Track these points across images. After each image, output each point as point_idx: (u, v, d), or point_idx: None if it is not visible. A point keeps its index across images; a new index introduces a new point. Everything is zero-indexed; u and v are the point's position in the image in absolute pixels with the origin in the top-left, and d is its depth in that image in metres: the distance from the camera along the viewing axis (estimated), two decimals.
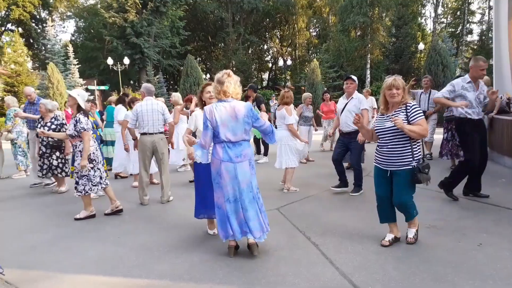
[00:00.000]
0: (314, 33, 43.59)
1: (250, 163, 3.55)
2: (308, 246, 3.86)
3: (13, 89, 21.22)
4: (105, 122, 8.23)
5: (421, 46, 25.97)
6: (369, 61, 29.11)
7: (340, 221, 4.56)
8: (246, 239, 3.64)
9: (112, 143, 8.01)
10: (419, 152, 3.67)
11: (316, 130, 9.93)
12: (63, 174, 6.62)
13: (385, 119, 3.69)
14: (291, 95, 6.28)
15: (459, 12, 37.53)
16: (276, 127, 5.45)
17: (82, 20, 43.02)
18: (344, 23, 29.69)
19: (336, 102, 6.85)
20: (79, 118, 4.93)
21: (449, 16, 40.15)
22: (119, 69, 26.19)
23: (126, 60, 26.78)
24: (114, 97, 9.76)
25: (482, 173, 5.28)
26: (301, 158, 6.21)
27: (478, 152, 5.05)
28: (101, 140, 7.07)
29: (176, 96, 8.02)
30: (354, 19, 28.07)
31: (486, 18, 37.16)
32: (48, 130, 6.18)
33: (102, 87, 29.59)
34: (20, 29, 38.99)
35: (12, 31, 39.82)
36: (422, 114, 3.61)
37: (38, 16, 41.24)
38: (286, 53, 43.65)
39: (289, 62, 35.17)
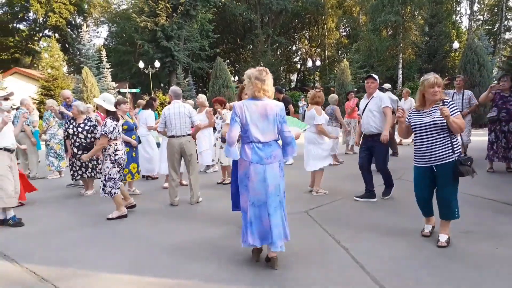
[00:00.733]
0: (344, 33, 43.11)
1: (280, 165, 3.40)
2: (338, 250, 3.79)
3: (49, 92, 22.03)
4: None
5: (455, 44, 25.17)
6: (401, 60, 28.50)
7: (371, 225, 4.46)
8: (266, 248, 3.49)
9: None
10: (459, 146, 3.75)
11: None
12: (98, 176, 6.70)
13: (422, 115, 3.78)
14: (322, 95, 6.22)
15: (496, 8, 36.04)
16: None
17: (114, 25, 44.27)
18: (375, 22, 29.18)
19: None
20: (106, 122, 5.10)
21: (485, 13, 38.68)
22: (150, 72, 26.74)
23: (157, 64, 27.30)
24: (142, 101, 9.93)
25: None
26: (332, 158, 6.10)
27: None
28: (138, 141, 7.18)
29: (202, 97, 8.12)
30: (385, 18, 27.53)
31: None
32: (81, 131, 6.44)
33: (134, 90, 30.27)
34: (56, 34, 40.52)
35: (49, 36, 41.55)
36: (458, 110, 3.76)
37: (73, 22, 42.83)
38: (315, 54, 43.33)
39: (318, 62, 34.84)
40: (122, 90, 27.22)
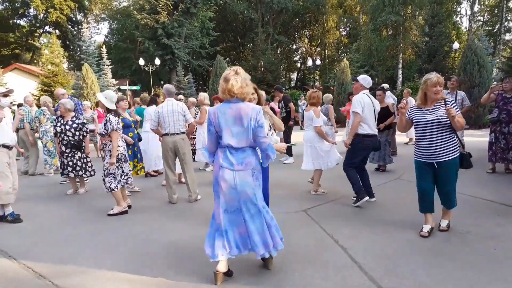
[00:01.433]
0: (344, 33, 43.05)
1: (254, 174, 3.11)
2: (336, 249, 3.80)
3: (49, 89, 21.97)
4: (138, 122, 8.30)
5: (455, 45, 25.11)
6: (401, 60, 28.45)
7: (369, 224, 4.46)
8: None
9: None
10: (458, 143, 3.99)
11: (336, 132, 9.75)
12: (87, 174, 6.65)
13: (425, 113, 3.92)
14: (318, 95, 6.11)
15: (496, 9, 36.05)
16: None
17: (115, 22, 44.24)
18: (375, 22, 29.12)
19: None
20: (109, 118, 5.13)
21: (486, 14, 38.67)
22: (150, 70, 26.71)
23: (157, 61, 27.26)
24: (137, 98, 9.96)
25: None
26: (338, 161, 6.05)
27: None
28: (138, 138, 7.18)
29: (203, 96, 8.12)
30: (386, 18, 27.47)
31: None
32: (69, 129, 6.30)
33: (134, 87, 30.27)
34: (57, 31, 40.57)
35: (49, 33, 41.53)
36: (458, 110, 3.90)
37: (74, 19, 42.79)
38: (315, 53, 43.30)
39: (318, 62, 34.78)
40: (122, 87, 27.21)
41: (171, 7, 30.54)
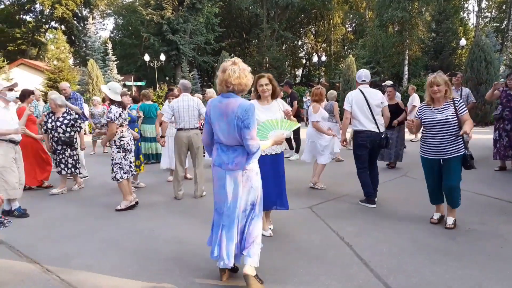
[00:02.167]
0: (350, 29, 42.85)
1: (244, 174, 2.89)
2: (342, 246, 3.79)
3: (55, 84, 22.05)
4: (141, 118, 8.30)
5: (462, 41, 24.88)
6: (407, 57, 28.25)
7: (375, 222, 4.45)
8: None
9: (151, 139, 8.25)
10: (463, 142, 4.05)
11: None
12: (77, 171, 6.49)
13: (434, 112, 4.01)
14: (321, 92, 6.22)
15: (504, 6, 35.70)
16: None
17: (121, 17, 44.26)
18: (381, 18, 28.92)
19: None
20: (111, 109, 5.17)
21: (493, 10, 38.32)
22: (156, 66, 26.73)
23: (162, 57, 27.26)
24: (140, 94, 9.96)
25: None
26: (333, 156, 6.12)
27: None
28: (140, 135, 7.18)
29: (211, 92, 8.14)
30: (392, 14, 27.26)
31: None
32: (60, 125, 6.15)
33: (139, 83, 30.29)
34: (63, 26, 40.68)
35: (55, 28, 41.65)
36: (466, 108, 4.00)
37: (79, 14, 42.86)
38: (321, 49, 43.11)
39: (323, 58, 34.65)
40: (127, 83, 27.24)
41: (177, 3, 30.51)
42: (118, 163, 5.25)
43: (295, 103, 9.33)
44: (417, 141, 10.60)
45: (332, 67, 36.21)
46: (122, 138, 5.26)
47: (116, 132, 5.22)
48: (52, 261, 3.63)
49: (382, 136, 5.05)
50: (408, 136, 11.10)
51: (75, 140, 6.40)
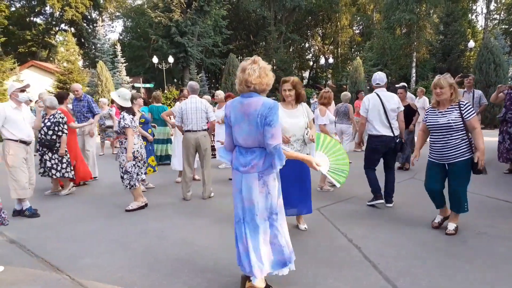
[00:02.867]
0: (358, 31, 42.77)
1: (261, 178, 2.72)
2: (350, 248, 3.79)
3: (65, 86, 22.29)
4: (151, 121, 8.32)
5: (471, 44, 24.70)
6: (414, 59, 28.16)
7: (383, 224, 4.44)
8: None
9: (161, 141, 8.33)
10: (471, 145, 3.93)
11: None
12: (58, 174, 6.18)
13: (438, 115, 3.93)
14: (329, 95, 6.13)
15: None
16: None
17: (129, 20, 44.58)
18: (389, 21, 28.88)
19: None
20: (123, 116, 5.19)
21: (502, 12, 37.96)
22: (164, 68, 26.88)
23: (171, 59, 27.39)
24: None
25: None
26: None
27: None
28: (152, 135, 7.24)
29: (222, 94, 8.24)
30: (400, 17, 27.21)
31: None
32: (43, 127, 5.95)
33: (147, 85, 30.45)
34: (72, 29, 41.05)
35: (65, 31, 42.03)
36: (474, 112, 3.86)
37: (89, 17, 43.22)
38: (328, 51, 43.05)
39: (330, 60, 34.58)
40: (136, 84, 27.42)
41: (185, 5, 30.65)
42: (129, 172, 5.26)
43: None
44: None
45: (339, 69, 36.14)
46: (133, 146, 5.27)
47: (126, 139, 5.23)
48: (62, 261, 3.67)
49: (397, 140, 5.03)
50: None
51: (56, 144, 6.12)
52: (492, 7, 35.29)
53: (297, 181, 4.04)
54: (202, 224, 4.68)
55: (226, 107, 2.88)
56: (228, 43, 36.09)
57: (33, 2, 40.48)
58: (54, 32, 43.61)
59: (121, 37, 45.19)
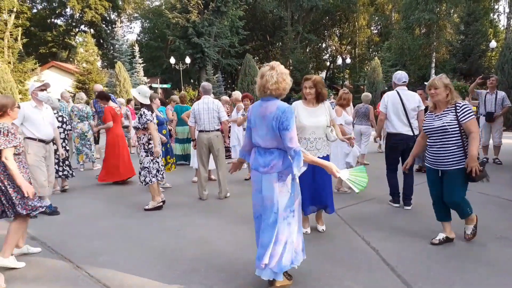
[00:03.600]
0: (376, 31, 42.31)
1: (280, 178, 2.82)
2: (368, 251, 3.75)
3: (84, 86, 22.72)
4: (175, 120, 8.48)
5: (493, 44, 24.16)
6: (434, 60, 27.71)
7: (401, 227, 4.38)
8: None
9: (181, 140, 8.45)
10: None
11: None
12: (59, 174, 6.31)
13: (434, 119, 3.71)
14: (348, 97, 6.01)
15: None
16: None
17: (147, 21, 45.19)
18: (408, 20, 28.45)
19: None
20: (144, 112, 5.28)
21: None
22: (181, 68, 27.12)
23: (188, 60, 27.63)
24: (176, 96, 10.09)
25: None
26: (352, 163, 5.99)
27: None
28: (169, 136, 7.31)
29: (237, 94, 8.29)
30: (419, 16, 26.78)
31: None
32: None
33: (165, 85, 30.80)
34: (92, 30, 41.82)
35: (85, 32, 42.90)
36: (473, 114, 3.57)
37: (108, 18, 44.00)
38: (345, 52, 42.77)
39: (348, 60, 34.36)
40: (153, 85, 27.75)
41: (202, 6, 30.88)
42: (147, 167, 5.35)
43: None
44: None
45: (357, 69, 35.84)
46: (150, 141, 5.35)
47: (144, 135, 5.33)
48: (81, 258, 3.73)
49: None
50: None
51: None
52: None
53: (317, 180, 4.02)
54: (218, 224, 4.70)
55: (249, 109, 3.05)
56: (244, 44, 36.20)
57: (54, 4, 41.39)
58: (74, 33, 44.52)
59: (139, 38, 45.83)
